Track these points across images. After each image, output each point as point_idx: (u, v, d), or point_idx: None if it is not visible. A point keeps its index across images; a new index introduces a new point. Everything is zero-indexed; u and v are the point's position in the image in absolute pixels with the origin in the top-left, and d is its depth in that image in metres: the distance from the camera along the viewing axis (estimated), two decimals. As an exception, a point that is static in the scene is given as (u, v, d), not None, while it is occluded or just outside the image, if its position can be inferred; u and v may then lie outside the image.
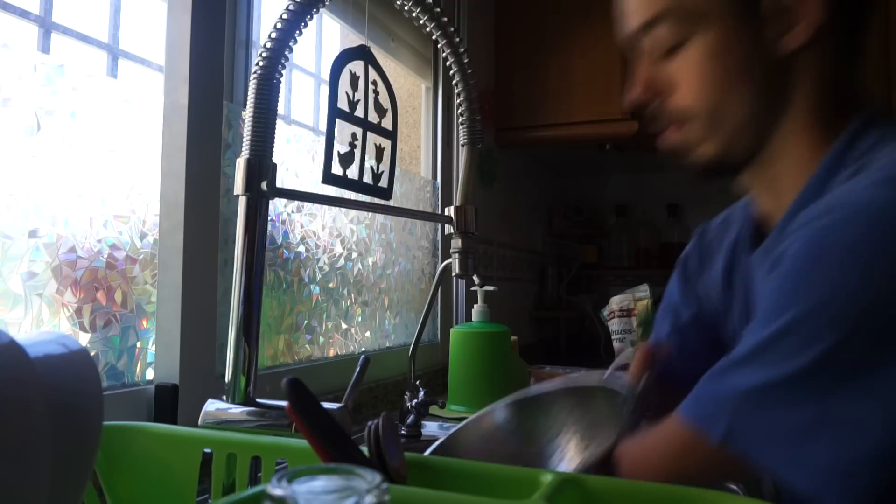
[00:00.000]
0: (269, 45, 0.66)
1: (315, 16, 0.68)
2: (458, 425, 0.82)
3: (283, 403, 0.55)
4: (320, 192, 0.84)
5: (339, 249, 1.25)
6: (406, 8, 0.78)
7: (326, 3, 0.68)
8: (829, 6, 0.57)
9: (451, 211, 0.83)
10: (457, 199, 0.83)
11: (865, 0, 0.61)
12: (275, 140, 0.67)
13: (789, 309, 0.47)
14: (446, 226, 0.83)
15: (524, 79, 1.99)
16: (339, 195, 0.87)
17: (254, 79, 0.66)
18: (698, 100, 0.61)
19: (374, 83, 0.82)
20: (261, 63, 0.65)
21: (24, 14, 0.75)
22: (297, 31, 0.67)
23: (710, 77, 0.60)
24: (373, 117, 0.83)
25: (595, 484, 0.48)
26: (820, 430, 0.45)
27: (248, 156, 0.66)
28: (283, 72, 0.67)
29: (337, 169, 0.77)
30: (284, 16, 0.66)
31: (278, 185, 0.68)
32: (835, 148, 0.57)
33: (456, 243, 0.80)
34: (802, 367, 0.46)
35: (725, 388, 0.50)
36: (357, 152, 0.81)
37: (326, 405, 0.59)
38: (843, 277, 0.46)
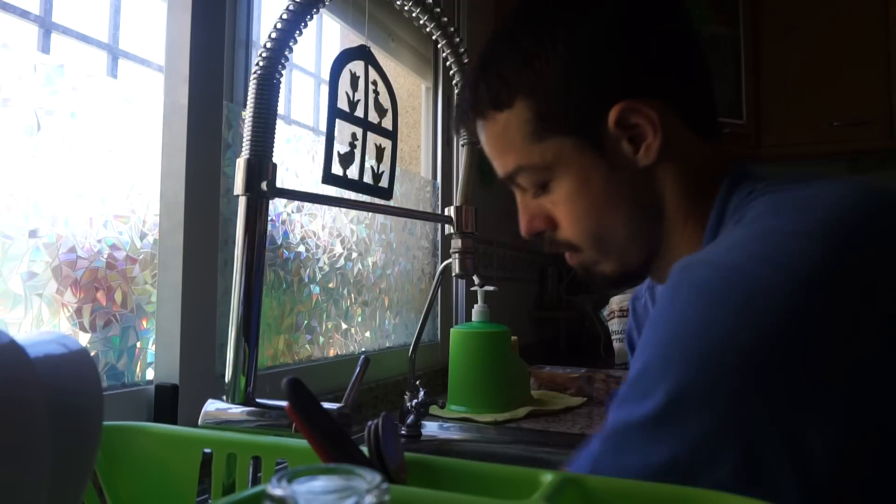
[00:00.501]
0: (269, 45, 0.66)
1: (315, 16, 0.68)
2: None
3: (283, 403, 0.55)
4: (320, 193, 0.84)
5: (339, 249, 1.25)
6: (406, 8, 0.78)
7: (326, 3, 0.68)
8: (663, 127, 0.59)
9: (451, 211, 0.83)
10: (457, 199, 0.83)
11: (699, 93, 0.64)
12: (275, 140, 0.67)
13: (646, 348, 0.47)
14: (446, 226, 0.83)
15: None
16: (339, 195, 0.87)
17: (254, 79, 0.66)
18: (578, 234, 0.64)
19: (374, 83, 0.82)
20: (261, 63, 0.66)
21: (24, 14, 0.75)
22: (297, 32, 0.67)
23: (581, 212, 0.63)
24: (373, 117, 0.83)
25: (595, 484, 0.48)
26: (672, 471, 0.44)
27: (248, 156, 0.66)
28: (283, 72, 0.67)
29: (337, 169, 0.77)
30: (284, 16, 0.66)
31: (278, 185, 0.68)
32: (712, 215, 0.59)
33: (456, 243, 0.80)
34: (653, 407, 0.45)
35: (606, 426, 0.50)
36: (357, 152, 0.81)
37: (326, 405, 0.59)
38: (686, 319, 0.46)
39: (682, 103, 0.61)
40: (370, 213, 1.34)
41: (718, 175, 0.61)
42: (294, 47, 0.68)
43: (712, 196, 0.61)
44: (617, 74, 0.59)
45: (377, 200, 0.84)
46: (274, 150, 0.67)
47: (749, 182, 0.59)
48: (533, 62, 0.60)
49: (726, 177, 0.61)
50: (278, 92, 0.67)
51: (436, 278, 1.18)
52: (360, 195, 0.82)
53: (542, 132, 0.61)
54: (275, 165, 0.67)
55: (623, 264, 0.65)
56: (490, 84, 0.63)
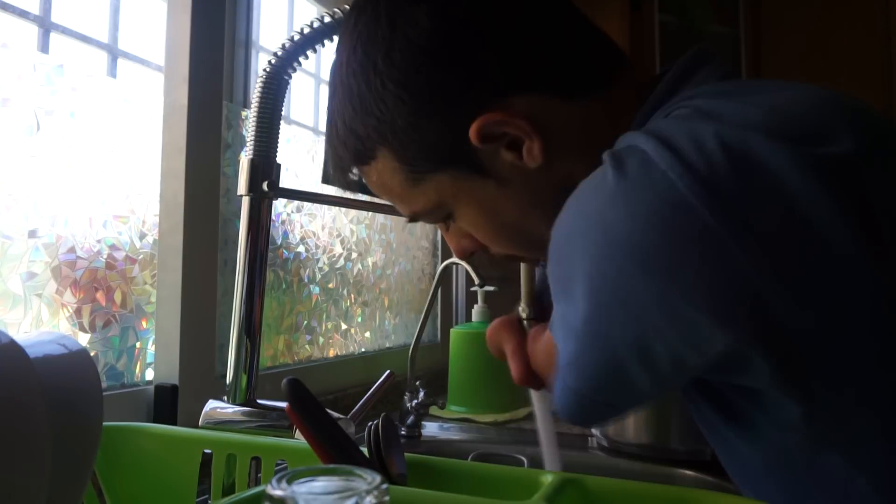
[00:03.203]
0: (285, 46, 0.66)
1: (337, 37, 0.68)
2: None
3: (283, 404, 0.55)
4: (322, 193, 0.84)
5: (338, 249, 1.25)
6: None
7: None
8: (539, 119, 0.51)
9: None
10: None
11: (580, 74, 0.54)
12: (279, 140, 0.67)
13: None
14: None
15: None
16: (339, 195, 0.87)
17: (260, 80, 0.66)
18: (506, 248, 0.59)
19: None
20: (271, 63, 0.66)
21: (23, 14, 0.75)
22: (315, 44, 0.67)
23: (494, 232, 0.58)
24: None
25: (595, 484, 0.48)
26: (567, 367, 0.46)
27: (251, 156, 0.66)
28: (293, 73, 0.67)
29: (337, 169, 0.77)
30: (309, 27, 0.66)
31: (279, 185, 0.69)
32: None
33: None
34: (559, 308, 0.46)
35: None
36: (357, 152, 0.81)
37: (334, 415, 0.59)
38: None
39: (548, 82, 0.53)
40: (370, 213, 1.34)
41: (627, 118, 0.53)
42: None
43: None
44: (456, 91, 0.52)
45: (378, 200, 0.84)
46: (278, 150, 0.67)
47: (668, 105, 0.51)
48: (370, 108, 0.54)
49: (636, 113, 0.53)
50: (285, 93, 0.67)
51: (436, 278, 1.18)
52: (360, 195, 0.82)
53: (414, 176, 0.55)
54: (278, 165, 0.67)
55: None
56: (345, 141, 0.57)
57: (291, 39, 0.66)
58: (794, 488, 0.47)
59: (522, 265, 0.63)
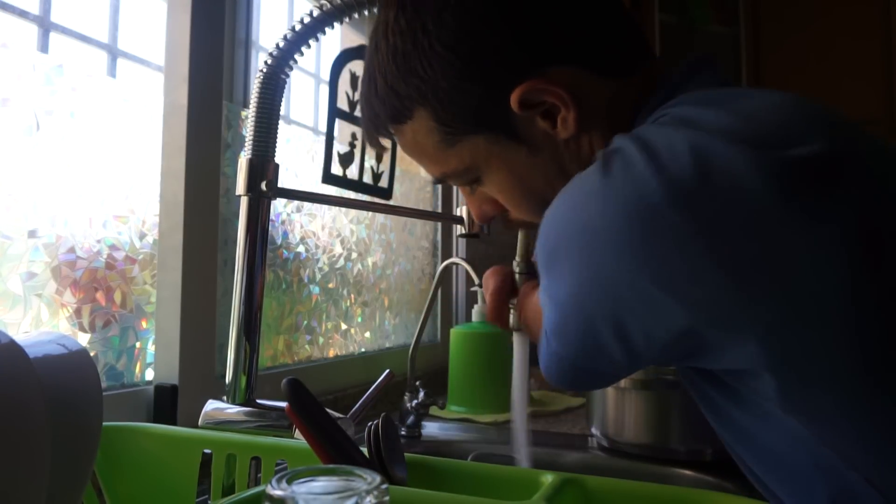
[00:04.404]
0: (280, 45, 0.66)
1: (332, 27, 0.68)
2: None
3: (283, 404, 0.55)
4: (322, 192, 0.84)
5: (338, 250, 1.25)
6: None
7: (347, 20, 0.68)
8: (572, 97, 0.54)
9: (462, 211, 0.82)
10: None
11: (617, 55, 0.57)
12: (277, 140, 0.67)
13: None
14: (457, 226, 0.81)
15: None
16: (339, 195, 0.87)
17: (258, 80, 0.66)
18: (526, 214, 0.61)
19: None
20: (267, 63, 0.65)
21: (23, 14, 0.75)
22: (311, 39, 0.67)
23: (520, 197, 0.60)
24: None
25: (595, 484, 0.48)
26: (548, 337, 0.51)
27: (250, 156, 0.66)
28: (289, 73, 0.67)
29: (337, 169, 0.77)
30: (301, 22, 0.66)
31: (278, 185, 0.68)
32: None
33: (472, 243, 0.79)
34: (545, 281, 0.50)
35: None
36: (357, 152, 0.81)
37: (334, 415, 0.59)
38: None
39: (588, 57, 0.55)
40: (370, 213, 1.34)
41: (637, 101, 0.56)
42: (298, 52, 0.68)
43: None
44: (504, 56, 0.54)
45: (378, 200, 0.84)
46: (276, 150, 0.67)
47: (675, 95, 0.53)
48: (415, 67, 0.55)
49: (649, 100, 0.55)
50: (283, 92, 0.67)
51: (436, 278, 1.18)
52: (362, 195, 0.82)
53: (450, 137, 0.57)
54: (276, 165, 0.67)
55: None
56: (384, 100, 0.58)
57: (285, 38, 0.66)
58: (785, 462, 0.50)
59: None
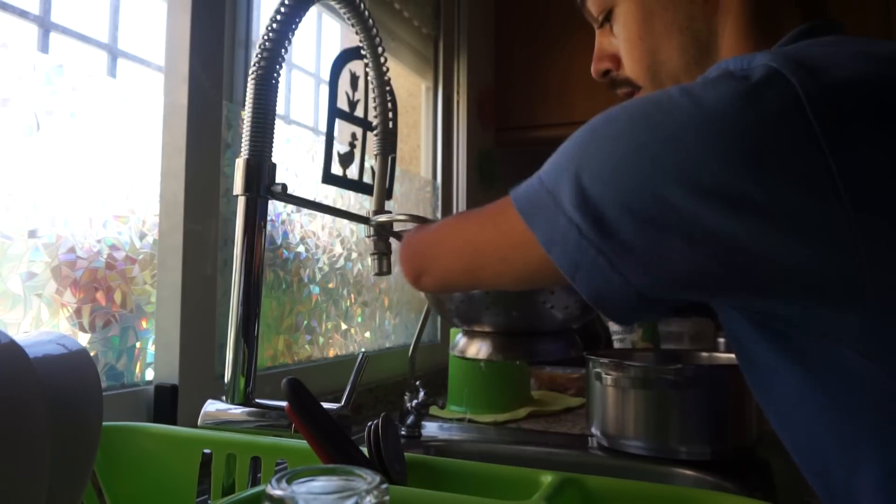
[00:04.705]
0: (266, 43, 0.65)
1: (309, 9, 0.68)
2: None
3: (283, 404, 0.55)
4: (306, 197, 0.84)
5: (338, 250, 1.25)
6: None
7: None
8: None
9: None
10: (374, 204, 0.81)
11: None
12: (274, 140, 0.67)
13: None
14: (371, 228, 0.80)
15: (524, 79, 1.99)
16: (339, 195, 0.87)
17: (252, 78, 0.65)
18: (636, 68, 0.64)
19: (374, 83, 0.82)
20: (258, 62, 0.65)
21: (23, 14, 0.75)
22: (293, 28, 0.66)
23: (638, 42, 0.63)
24: (373, 117, 0.83)
25: (595, 484, 0.48)
26: None
27: (247, 156, 0.66)
28: (282, 71, 0.67)
29: (337, 169, 0.77)
30: (279, 14, 0.66)
31: (276, 185, 0.68)
32: None
33: (378, 245, 0.79)
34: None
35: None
36: (357, 152, 0.81)
37: (326, 405, 0.59)
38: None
39: None
40: (370, 214, 1.34)
41: (791, 24, 0.57)
42: (293, 47, 0.67)
43: (773, 43, 0.57)
44: None
45: (364, 214, 0.82)
46: (273, 150, 0.67)
47: (823, 36, 0.54)
48: None
49: (798, 26, 0.57)
50: (276, 91, 0.67)
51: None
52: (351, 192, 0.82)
53: None
54: (274, 165, 0.67)
55: None
56: None
57: (269, 30, 0.66)
58: (841, 416, 0.48)
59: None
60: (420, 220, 0.73)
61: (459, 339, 0.79)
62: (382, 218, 0.76)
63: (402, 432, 1.09)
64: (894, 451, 0.45)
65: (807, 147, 0.41)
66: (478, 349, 0.77)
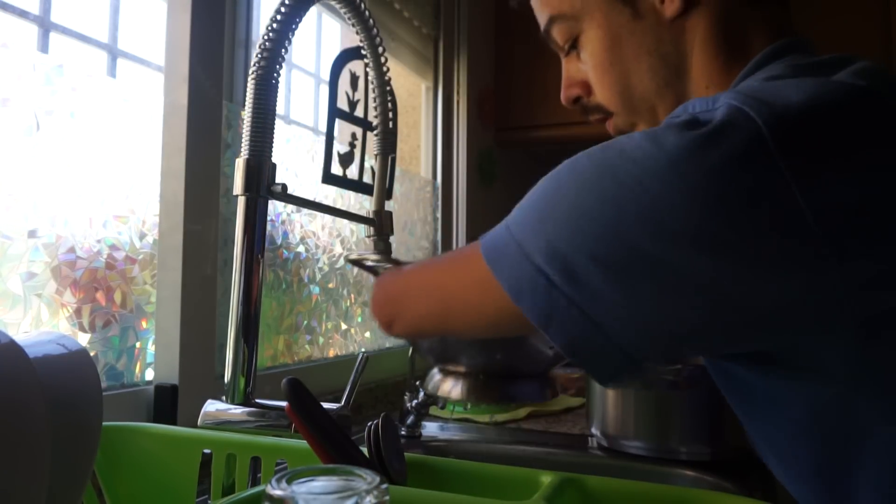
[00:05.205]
0: (266, 44, 0.66)
1: (309, 9, 0.68)
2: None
3: (283, 404, 0.55)
4: (306, 197, 0.84)
5: (338, 250, 1.25)
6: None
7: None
8: None
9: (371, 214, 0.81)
10: (374, 203, 0.81)
11: None
12: (274, 140, 0.67)
13: None
14: (371, 227, 0.80)
15: (524, 79, 1.99)
16: (339, 195, 0.87)
17: (252, 78, 0.65)
18: (607, 93, 0.64)
19: (374, 83, 0.82)
20: (258, 62, 0.65)
21: (23, 14, 0.75)
22: (293, 28, 0.67)
23: (608, 68, 0.63)
24: (373, 117, 0.83)
25: (595, 484, 0.48)
26: None
27: (247, 156, 0.66)
28: (281, 71, 0.67)
29: (337, 169, 0.77)
30: (279, 14, 0.66)
31: (276, 185, 0.68)
32: (734, 82, 0.58)
33: (378, 245, 0.79)
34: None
35: None
36: (357, 152, 0.81)
37: (326, 405, 0.59)
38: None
39: None
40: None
41: (760, 42, 0.58)
42: (294, 47, 0.67)
43: (744, 63, 0.57)
44: None
45: (366, 216, 0.83)
46: (273, 150, 0.67)
47: (796, 56, 0.54)
48: None
49: (768, 46, 0.57)
50: (276, 91, 0.67)
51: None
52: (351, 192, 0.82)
53: None
54: (274, 165, 0.67)
55: (655, 122, 0.63)
56: None
57: (269, 30, 0.66)
58: (827, 449, 0.48)
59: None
60: (392, 262, 0.73)
61: (434, 376, 0.77)
62: (354, 256, 0.77)
63: (402, 432, 1.09)
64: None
65: (773, 183, 0.40)
66: (449, 389, 0.75)
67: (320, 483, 0.28)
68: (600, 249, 0.43)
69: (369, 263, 0.74)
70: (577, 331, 0.44)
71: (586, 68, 0.65)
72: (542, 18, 0.68)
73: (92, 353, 0.77)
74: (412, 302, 0.59)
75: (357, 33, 0.76)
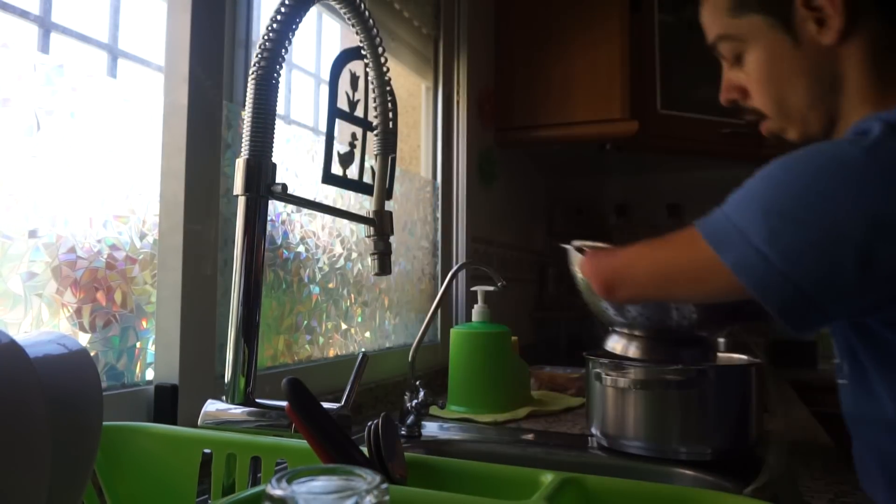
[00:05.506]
0: (266, 44, 0.66)
1: (310, 9, 0.68)
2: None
3: (283, 404, 0.55)
4: (307, 197, 0.84)
5: (338, 249, 1.25)
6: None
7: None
8: (844, 8, 0.69)
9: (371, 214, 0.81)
10: (374, 203, 0.80)
11: None
12: (274, 140, 0.67)
13: None
14: (370, 227, 0.80)
15: (524, 79, 1.99)
16: (339, 195, 0.86)
17: (252, 78, 0.65)
18: (765, 101, 0.77)
19: (374, 83, 0.82)
20: (259, 62, 0.65)
21: (23, 14, 0.75)
22: (293, 29, 0.67)
23: (767, 83, 0.76)
24: (373, 117, 0.83)
25: (595, 484, 0.48)
26: None
27: (247, 156, 0.66)
28: (282, 71, 0.67)
29: (337, 169, 0.77)
30: (279, 14, 0.66)
31: (276, 185, 0.68)
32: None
33: (378, 245, 0.79)
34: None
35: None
36: (357, 152, 0.81)
37: (326, 405, 0.59)
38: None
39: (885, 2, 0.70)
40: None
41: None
42: (294, 47, 0.67)
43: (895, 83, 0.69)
44: None
45: (365, 215, 0.82)
46: (273, 150, 0.67)
47: None
48: None
49: None
50: (277, 91, 0.67)
51: (447, 280, 1.18)
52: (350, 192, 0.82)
53: (740, 8, 0.75)
54: (274, 165, 0.67)
55: (804, 132, 0.76)
56: None
57: (269, 30, 0.66)
58: None
59: None
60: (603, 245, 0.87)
61: (613, 336, 0.98)
62: (577, 243, 0.92)
63: (402, 432, 1.09)
64: None
65: None
66: (624, 348, 0.95)
67: (320, 483, 0.28)
68: (817, 236, 0.58)
69: (588, 245, 0.87)
70: (788, 299, 0.59)
71: (746, 78, 0.77)
72: (710, 33, 0.80)
73: (92, 353, 0.77)
74: (636, 272, 0.74)
75: (357, 33, 0.76)
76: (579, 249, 0.88)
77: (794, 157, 0.62)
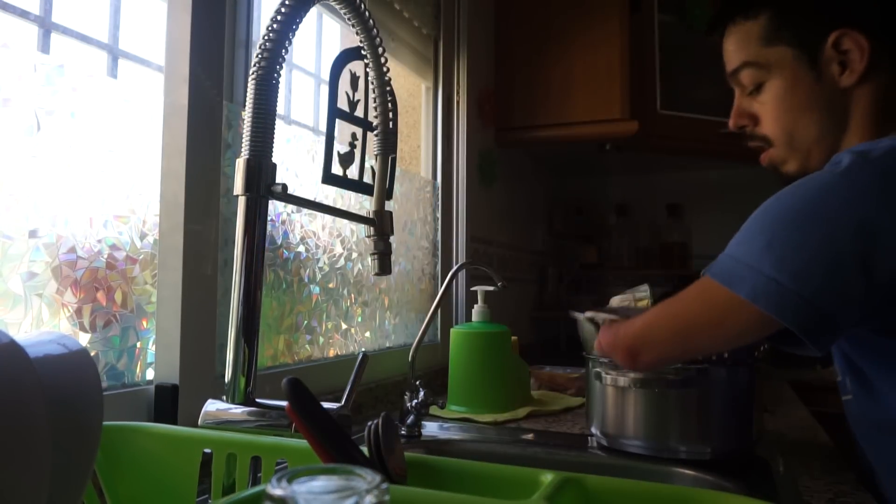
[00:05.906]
0: (266, 44, 0.66)
1: (310, 9, 0.68)
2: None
3: (283, 403, 0.55)
4: (307, 197, 0.84)
5: (339, 249, 1.25)
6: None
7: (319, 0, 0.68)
8: (869, 56, 0.75)
9: (371, 214, 0.81)
10: (374, 203, 0.80)
11: None
12: (274, 140, 0.67)
13: None
14: (370, 227, 0.80)
15: (524, 79, 1.99)
16: (339, 195, 0.86)
17: (252, 79, 0.66)
18: (776, 130, 0.81)
19: (374, 83, 0.82)
20: (259, 62, 0.65)
21: (23, 14, 0.75)
22: (294, 29, 0.67)
23: (783, 112, 0.80)
24: (373, 117, 0.83)
25: (595, 484, 0.48)
26: None
27: (247, 156, 0.66)
28: (282, 71, 0.67)
29: (337, 169, 0.77)
30: (280, 14, 0.66)
31: (277, 185, 0.68)
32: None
33: (378, 245, 0.79)
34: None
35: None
36: (357, 152, 0.81)
37: (326, 405, 0.59)
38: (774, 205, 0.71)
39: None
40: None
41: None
42: (294, 47, 0.67)
43: (893, 128, 0.75)
44: (846, 5, 0.77)
45: (365, 215, 0.82)
46: (273, 150, 0.67)
47: None
48: None
49: None
50: (277, 91, 0.67)
51: (447, 280, 1.18)
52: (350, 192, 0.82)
53: (772, 39, 0.80)
54: (274, 165, 0.67)
55: (804, 166, 0.80)
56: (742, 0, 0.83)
57: (269, 30, 0.66)
58: None
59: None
60: (616, 314, 0.90)
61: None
62: (589, 315, 0.95)
63: (402, 432, 1.09)
64: None
65: None
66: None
67: (320, 483, 0.28)
68: (820, 256, 0.63)
69: (600, 320, 0.90)
70: (804, 317, 0.64)
71: (760, 107, 0.82)
72: (735, 60, 0.83)
73: (92, 353, 0.77)
74: (656, 333, 0.76)
75: (357, 33, 0.76)
76: (591, 320, 0.91)
77: (783, 192, 0.69)
